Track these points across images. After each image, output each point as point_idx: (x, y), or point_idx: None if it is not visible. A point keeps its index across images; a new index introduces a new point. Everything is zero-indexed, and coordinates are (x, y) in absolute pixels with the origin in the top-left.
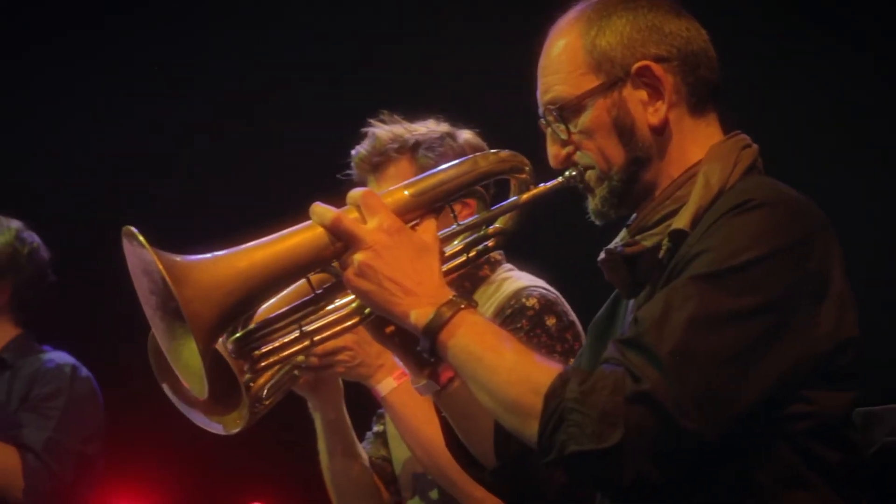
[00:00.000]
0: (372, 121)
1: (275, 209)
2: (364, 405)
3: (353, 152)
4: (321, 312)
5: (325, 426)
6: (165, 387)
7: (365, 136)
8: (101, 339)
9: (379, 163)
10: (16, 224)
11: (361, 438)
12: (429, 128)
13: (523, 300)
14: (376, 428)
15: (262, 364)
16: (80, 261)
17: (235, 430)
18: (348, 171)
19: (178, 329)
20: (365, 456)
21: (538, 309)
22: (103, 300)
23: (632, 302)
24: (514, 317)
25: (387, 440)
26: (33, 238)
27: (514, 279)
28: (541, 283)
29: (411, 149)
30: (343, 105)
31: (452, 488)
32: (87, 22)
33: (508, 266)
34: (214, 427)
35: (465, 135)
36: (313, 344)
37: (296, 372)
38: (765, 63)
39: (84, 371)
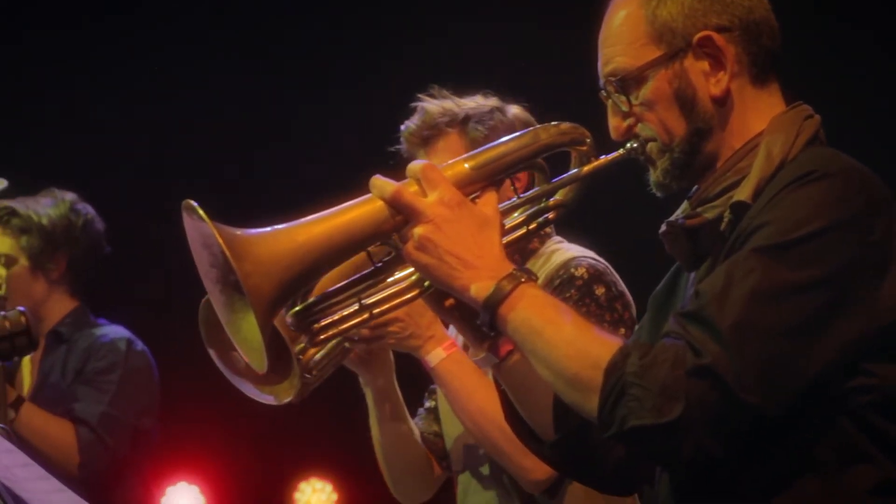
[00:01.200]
0: (421, 95)
1: (332, 183)
2: (416, 382)
3: (402, 127)
4: (381, 286)
5: (377, 401)
6: (214, 356)
7: (414, 110)
8: (156, 313)
9: (429, 136)
10: (70, 196)
11: (414, 415)
12: (478, 102)
13: (572, 270)
14: (428, 403)
15: (322, 337)
16: (137, 234)
17: (286, 401)
18: (398, 146)
19: (238, 303)
20: (416, 431)
21: (587, 279)
22: (159, 273)
23: (693, 275)
24: (562, 287)
25: (439, 416)
26: (88, 210)
27: (563, 251)
28: (590, 253)
29: (461, 122)
30: (400, 78)
31: (502, 458)
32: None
33: (558, 238)
34: (265, 398)
35: (514, 109)
36: (372, 317)
37: (346, 344)
38: (827, 32)
39: (139, 345)
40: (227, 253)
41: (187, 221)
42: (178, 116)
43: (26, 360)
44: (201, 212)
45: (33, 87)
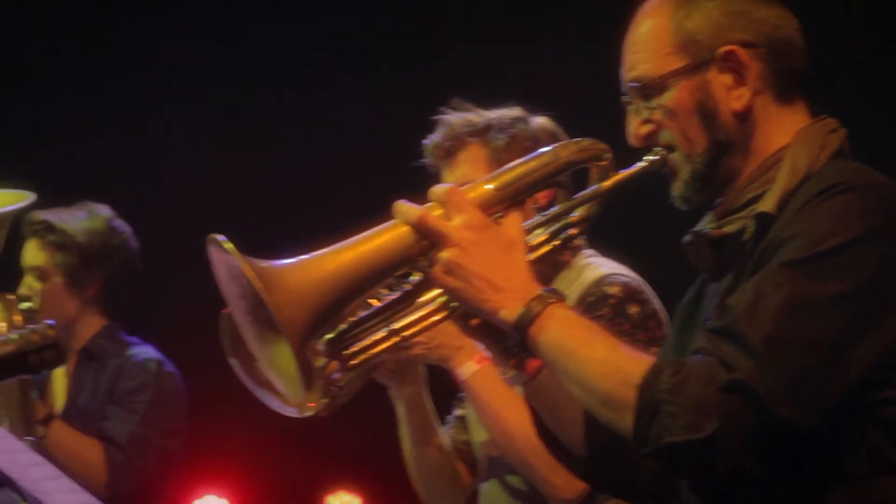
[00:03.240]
0: (444, 109)
1: (355, 209)
2: (445, 391)
3: (425, 142)
4: (409, 309)
5: (408, 413)
6: (237, 367)
7: (437, 125)
8: (180, 325)
9: (451, 148)
10: (106, 212)
11: (443, 423)
12: (500, 112)
13: (605, 288)
14: (458, 412)
15: (353, 363)
16: (156, 249)
17: (309, 414)
18: (422, 161)
19: (269, 333)
20: (447, 441)
21: (620, 297)
22: (183, 287)
23: (715, 286)
24: (595, 305)
25: (468, 425)
26: (124, 228)
27: (596, 266)
28: (623, 269)
29: (482, 131)
30: (424, 101)
31: (531, 473)
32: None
33: (590, 251)
34: (288, 410)
35: (540, 120)
36: (403, 340)
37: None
38: (854, 49)
39: (170, 366)
40: (258, 286)
41: (213, 254)
42: (205, 136)
43: (59, 375)
44: (228, 245)
45: (62, 100)
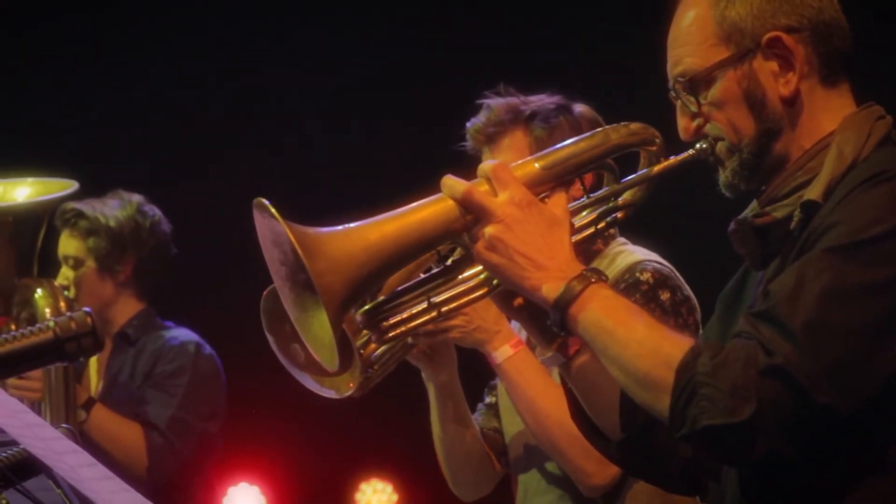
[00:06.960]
0: (488, 93)
1: (405, 183)
2: (476, 377)
3: (468, 124)
4: (449, 284)
5: (438, 396)
6: (275, 347)
7: (480, 107)
8: (215, 312)
9: (493, 133)
10: (137, 198)
11: (473, 410)
12: (543, 100)
13: (637, 274)
14: (488, 399)
15: (391, 335)
16: (202, 237)
17: (347, 394)
18: (463, 143)
19: (308, 301)
20: (477, 427)
21: (652, 283)
22: (219, 272)
23: (761, 274)
24: (627, 291)
25: (498, 412)
26: (154, 211)
27: (628, 253)
28: (655, 256)
29: (526, 119)
30: (469, 76)
31: (562, 460)
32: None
33: (622, 239)
34: (326, 392)
35: (580, 108)
36: (441, 315)
37: (409, 339)
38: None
39: (208, 349)
40: (300, 251)
41: (258, 219)
42: (243, 117)
43: (93, 361)
44: (273, 210)
45: (99, 90)
